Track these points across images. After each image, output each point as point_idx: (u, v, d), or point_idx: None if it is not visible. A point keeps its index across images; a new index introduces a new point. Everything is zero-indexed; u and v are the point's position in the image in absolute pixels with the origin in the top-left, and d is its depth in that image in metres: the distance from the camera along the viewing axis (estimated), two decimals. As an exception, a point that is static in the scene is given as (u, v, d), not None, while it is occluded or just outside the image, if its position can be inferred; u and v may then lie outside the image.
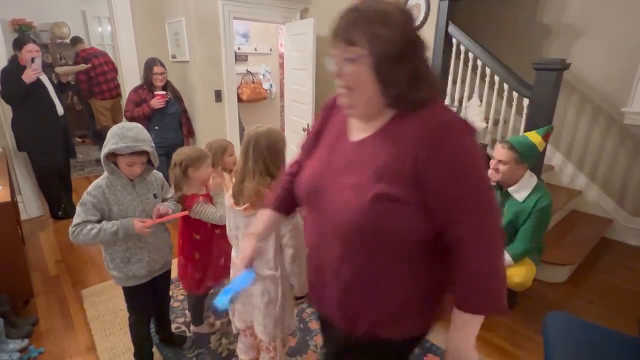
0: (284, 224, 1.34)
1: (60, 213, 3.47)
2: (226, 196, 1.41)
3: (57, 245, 3.07)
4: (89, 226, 1.41)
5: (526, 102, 2.36)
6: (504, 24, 3.50)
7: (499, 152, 1.93)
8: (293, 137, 3.83)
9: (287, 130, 3.93)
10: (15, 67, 2.91)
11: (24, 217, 3.40)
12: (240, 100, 4.32)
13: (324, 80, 3.70)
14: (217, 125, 3.46)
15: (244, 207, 1.29)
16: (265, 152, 1.33)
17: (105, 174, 1.47)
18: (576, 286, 2.45)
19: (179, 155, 1.70)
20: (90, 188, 1.44)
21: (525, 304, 2.25)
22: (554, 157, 3.35)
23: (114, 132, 1.41)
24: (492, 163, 1.98)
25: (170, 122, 3.22)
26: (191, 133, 3.55)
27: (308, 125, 3.44)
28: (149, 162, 1.53)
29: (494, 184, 2.06)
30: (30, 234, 3.21)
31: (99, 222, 1.44)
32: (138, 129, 1.44)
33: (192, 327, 2.03)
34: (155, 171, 1.61)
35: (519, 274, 1.96)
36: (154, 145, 1.47)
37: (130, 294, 1.63)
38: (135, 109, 3.07)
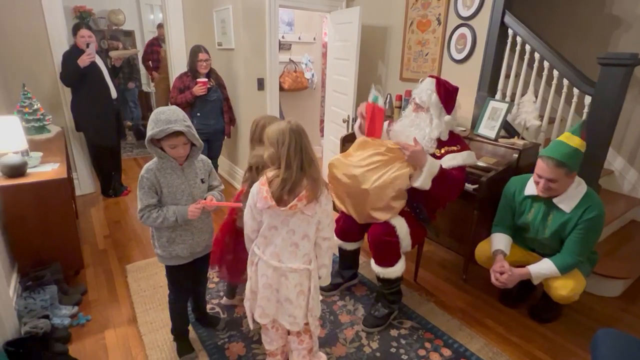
0: (325, 217, 1.39)
1: (111, 191, 3.69)
2: (257, 196, 1.38)
3: (106, 221, 3.27)
4: (154, 213, 1.51)
5: (588, 99, 2.18)
6: (567, 15, 3.25)
7: (545, 171, 1.77)
8: (332, 127, 3.81)
9: (326, 120, 3.92)
10: (75, 51, 3.11)
11: (77, 192, 3.65)
12: (281, 88, 4.35)
13: (367, 70, 3.64)
14: (258, 112, 3.56)
15: (291, 204, 1.29)
16: (308, 144, 1.35)
17: (155, 157, 1.52)
18: (630, 302, 2.28)
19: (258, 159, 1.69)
20: (143, 171, 1.51)
21: (572, 316, 2.12)
22: (614, 161, 3.10)
23: (150, 118, 1.47)
24: (540, 182, 1.81)
25: (212, 108, 3.31)
26: (232, 121, 3.63)
27: (348, 116, 3.40)
28: (194, 144, 1.56)
29: (535, 194, 1.89)
30: (82, 209, 3.43)
31: (159, 202, 1.53)
32: (170, 110, 1.46)
33: (224, 299, 2.15)
34: (203, 156, 1.65)
35: (565, 287, 1.85)
36: (189, 124, 1.47)
37: (172, 272, 1.69)
38: (178, 95, 3.19)
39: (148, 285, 2.33)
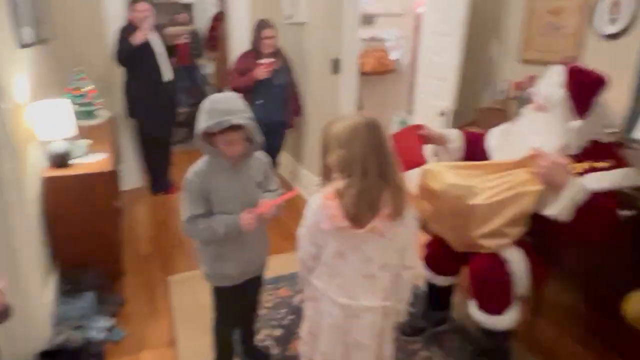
0: (411, 240, 1.34)
1: (159, 186, 3.95)
2: (320, 213, 1.32)
3: (150, 221, 3.46)
4: (200, 224, 1.52)
5: None
6: None
7: None
8: (424, 122, 3.62)
9: (416, 114, 3.74)
10: (130, 27, 3.35)
11: (123, 187, 3.87)
12: (360, 71, 4.24)
13: (474, 49, 3.43)
14: (330, 101, 3.50)
15: (371, 226, 1.23)
16: (389, 144, 1.30)
17: (205, 156, 1.55)
18: None
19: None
20: (190, 174, 1.54)
21: None
22: None
23: (202, 107, 1.47)
24: None
25: (276, 95, 3.34)
26: (299, 110, 3.64)
27: (447, 109, 3.23)
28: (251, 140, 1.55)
29: None
30: (127, 206, 3.65)
31: (208, 212, 1.55)
32: (228, 98, 1.48)
33: None
34: (258, 154, 1.65)
35: None
36: (250, 115, 1.48)
37: (218, 293, 1.74)
38: (239, 79, 3.25)
39: (192, 303, 2.42)
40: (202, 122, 1.45)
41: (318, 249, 1.35)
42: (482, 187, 1.75)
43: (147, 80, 3.45)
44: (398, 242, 1.30)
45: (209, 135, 1.49)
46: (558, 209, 1.63)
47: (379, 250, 1.29)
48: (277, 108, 3.40)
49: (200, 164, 1.56)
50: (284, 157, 4.15)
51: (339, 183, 1.27)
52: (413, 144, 1.97)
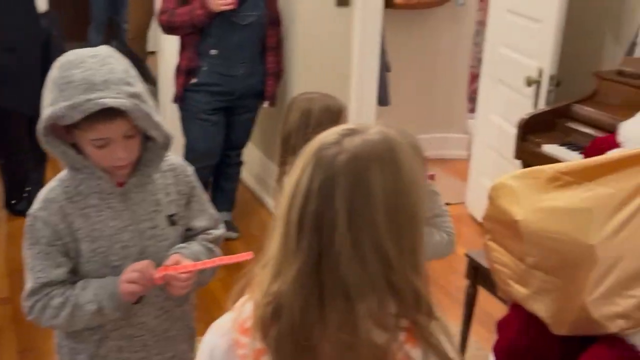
0: None
1: (24, 203, 3.39)
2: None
3: (6, 264, 2.98)
4: (56, 299, 1.30)
5: None
6: None
7: None
8: (499, 94, 3.10)
9: (484, 78, 3.28)
10: None
11: None
12: (388, 4, 3.71)
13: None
14: (336, 55, 2.99)
15: None
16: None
17: (65, 171, 1.39)
18: None
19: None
20: (37, 205, 1.36)
21: None
22: None
23: (50, 76, 1.27)
24: None
25: (244, 43, 2.89)
26: (279, 68, 3.12)
27: (540, 72, 2.70)
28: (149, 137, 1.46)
29: None
30: None
31: (71, 274, 1.34)
32: (96, 59, 1.19)
33: None
34: (175, 160, 1.48)
35: None
36: (137, 92, 1.24)
37: None
38: (177, 9, 2.77)
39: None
40: (47, 103, 1.26)
41: None
42: (606, 209, 1.55)
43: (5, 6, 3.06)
44: None
45: (68, 130, 1.28)
46: None
47: None
48: (246, 65, 2.89)
49: (55, 185, 1.37)
50: (252, 153, 3.69)
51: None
52: None
